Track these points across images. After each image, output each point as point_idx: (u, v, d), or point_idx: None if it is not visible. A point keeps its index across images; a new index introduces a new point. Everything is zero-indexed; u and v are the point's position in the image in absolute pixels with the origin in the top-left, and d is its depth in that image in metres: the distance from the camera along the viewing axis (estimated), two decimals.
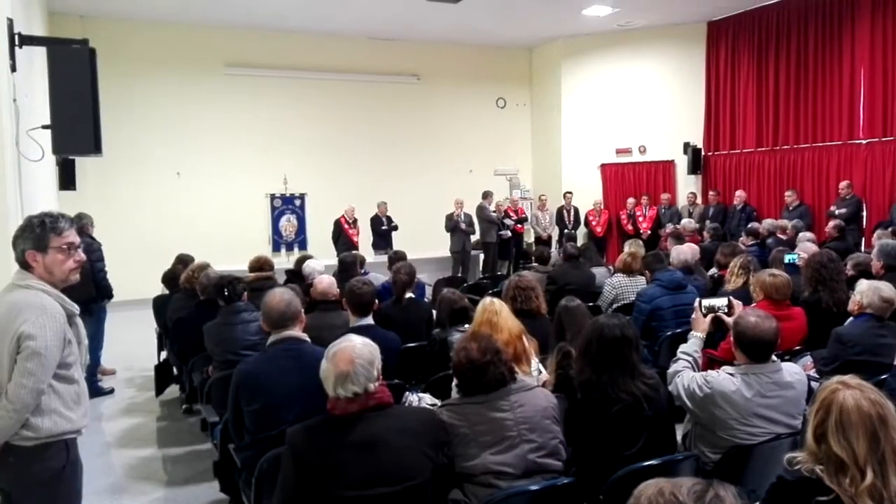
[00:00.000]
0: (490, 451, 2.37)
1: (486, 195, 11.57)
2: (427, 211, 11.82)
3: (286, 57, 11.89)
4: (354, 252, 7.59)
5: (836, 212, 9.22)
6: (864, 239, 8.96)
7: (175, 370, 5.73)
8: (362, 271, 6.50)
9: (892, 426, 1.87)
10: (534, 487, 2.33)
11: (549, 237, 12.14)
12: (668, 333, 4.64)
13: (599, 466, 2.63)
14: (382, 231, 11.13)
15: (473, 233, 11.30)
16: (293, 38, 11.87)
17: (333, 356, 2.28)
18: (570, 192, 12.37)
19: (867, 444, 1.80)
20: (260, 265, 5.66)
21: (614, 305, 5.76)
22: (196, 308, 4.92)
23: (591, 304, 5.70)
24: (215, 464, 3.65)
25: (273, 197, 11.96)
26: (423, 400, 3.16)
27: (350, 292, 3.89)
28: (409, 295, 4.96)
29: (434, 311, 4.60)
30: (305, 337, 3.11)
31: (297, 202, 12.13)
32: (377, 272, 6.86)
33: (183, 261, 6.38)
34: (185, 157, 11.26)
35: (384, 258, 7.85)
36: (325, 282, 4.51)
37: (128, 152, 10.61)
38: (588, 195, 12.53)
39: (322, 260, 6.59)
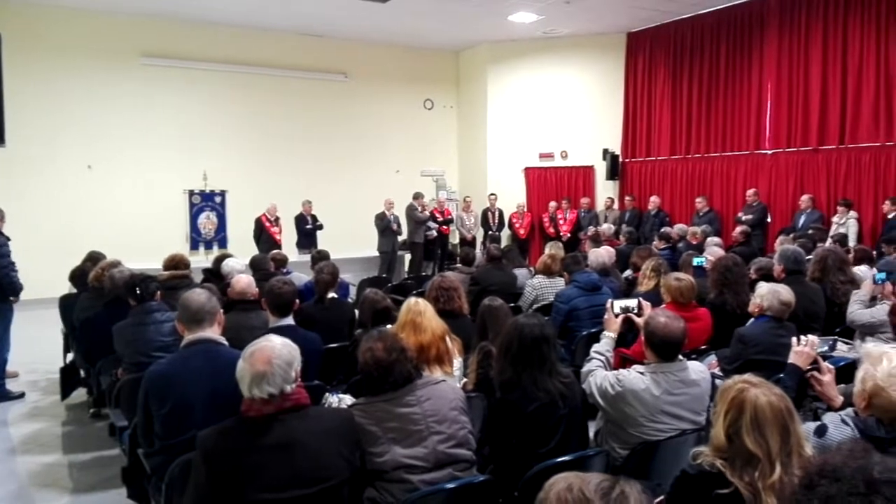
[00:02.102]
0: (399, 446, 2.40)
1: (417, 196, 11.59)
2: (353, 210, 11.75)
3: (208, 49, 11.53)
4: (275, 251, 7.44)
5: (743, 218, 9.74)
6: (768, 244, 9.48)
7: (82, 373, 5.46)
8: (284, 270, 6.40)
9: (797, 418, 2.01)
10: (450, 486, 2.36)
11: (474, 238, 12.27)
12: (585, 333, 4.78)
13: (516, 464, 2.69)
14: (307, 230, 10.97)
15: (401, 233, 11.31)
16: (217, 29, 11.52)
17: (251, 356, 2.25)
18: (495, 195, 12.55)
19: (779, 439, 1.92)
20: (175, 263, 5.47)
21: (535, 306, 5.88)
22: (105, 308, 4.70)
23: (512, 304, 5.81)
24: (124, 470, 3.51)
25: (192, 193, 11.58)
26: (343, 401, 3.14)
27: (270, 292, 3.82)
28: (331, 295, 4.92)
29: (357, 312, 4.58)
30: (222, 339, 3.03)
31: (218, 199, 11.78)
32: (301, 272, 6.76)
33: (93, 258, 6.09)
34: (98, 151, 10.74)
35: (308, 257, 7.74)
36: (244, 281, 4.41)
37: (36, 144, 10.06)
38: (512, 198, 12.75)
39: (243, 259, 6.44)
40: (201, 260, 9.87)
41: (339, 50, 12.71)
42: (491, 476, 2.54)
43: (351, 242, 11.08)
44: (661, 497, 2.24)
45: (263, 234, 10.61)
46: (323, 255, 6.57)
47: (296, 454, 2.17)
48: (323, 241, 10.56)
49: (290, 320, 3.83)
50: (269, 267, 6.14)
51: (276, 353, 2.25)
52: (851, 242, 8.00)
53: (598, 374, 3.10)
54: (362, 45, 12.84)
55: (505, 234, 12.47)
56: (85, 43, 10.62)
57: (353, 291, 7.27)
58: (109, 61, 10.83)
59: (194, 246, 11.54)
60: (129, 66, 10.95)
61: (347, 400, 3.09)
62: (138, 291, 4.07)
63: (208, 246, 11.62)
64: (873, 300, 4.67)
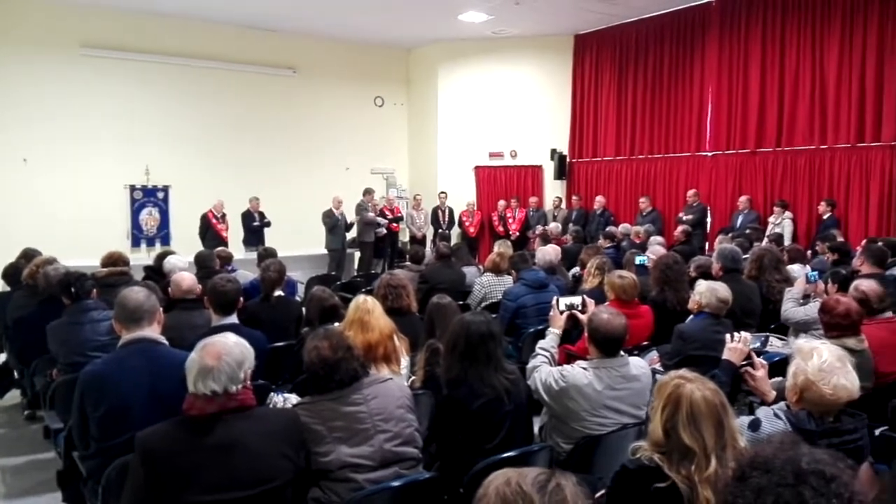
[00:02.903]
0: (345, 445, 2.39)
1: (368, 192, 11.54)
2: (302, 208, 11.59)
3: (152, 41, 11.18)
4: (220, 248, 7.30)
5: (684, 218, 10.03)
6: (708, 243, 9.79)
7: (16, 373, 5.25)
8: (229, 268, 6.29)
9: (730, 413, 2.08)
10: (395, 484, 2.37)
11: (424, 236, 12.28)
12: (532, 330, 4.84)
13: (462, 460, 2.71)
14: (254, 227, 10.80)
15: (350, 230, 11.24)
16: (161, 21, 11.18)
17: (203, 348, 2.22)
18: (445, 193, 12.59)
19: (714, 433, 1.98)
20: (113, 261, 5.30)
21: (483, 303, 5.94)
22: (39, 306, 4.53)
23: (461, 302, 5.85)
24: (59, 473, 3.40)
25: (133, 188, 11.23)
26: (288, 400, 3.11)
27: (213, 290, 3.74)
28: (278, 293, 4.86)
29: (304, 310, 4.53)
30: (162, 339, 2.96)
31: (160, 194, 11.45)
32: (248, 269, 6.65)
33: (27, 255, 5.87)
34: (34, 143, 10.30)
35: (255, 255, 7.61)
36: (185, 279, 4.31)
37: None
38: (462, 196, 12.80)
39: (186, 256, 6.29)
40: (143, 257, 9.59)
41: (288, 44, 12.52)
42: (437, 473, 2.56)
43: (299, 240, 10.96)
44: (602, 491, 2.29)
45: (209, 231, 10.38)
46: (269, 253, 6.47)
47: (237, 455, 2.14)
48: (271, 238, 10.39)
49: (233, 319, 3.76)
50: (215, 264, 6.02)
51: (227, 350, 2.22)
52: (787, 242, 8.31)
53: (543, 370, 3.14)
54: (311, 39, 12.68)
55: (455, 232, 12.51)
56: (21, 31, 10.18)
57: (301, 289, 7.19)
58: (47, 51, 10.41)
59: (136, 243, 11.21)
60: (68, 56, 10.54)
61: (293, 399, 3.06)
62: (73, 289, 3.94)
63: (150, 243, 11.30)
64: (806, 298, 4.87)
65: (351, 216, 11.23)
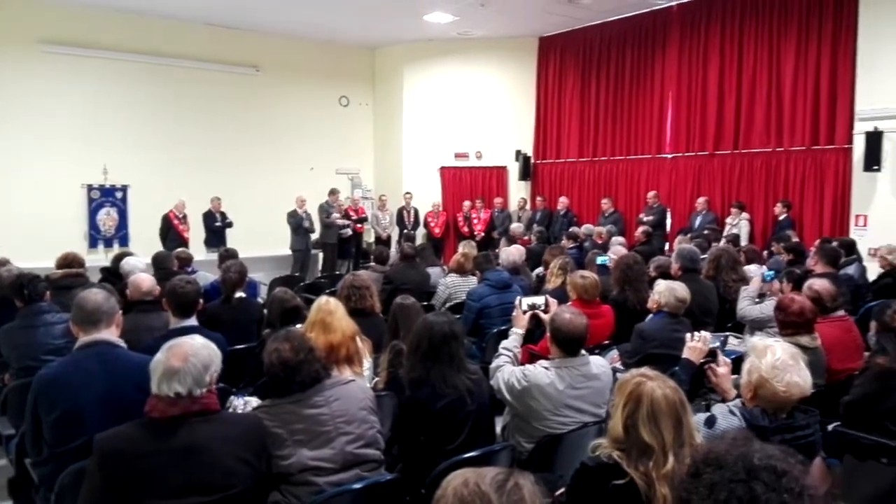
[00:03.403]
0: (306, 448, 2.37)
1: (332, 192, 11.47)
2: (265, 208, 11.45)
3: (112, 38, 10.91)
4: (180, 249, 7.17)
5: (645, 219, 10.18)
6: (668, 244, 9.96)
7: None
8: (189, 269, 6.19)
9: (689, 411, 2.12)
10: (357, 486, 2.36)
11: (389, 237, 12.25)
12: (495, 330, 4.87)
13: (424, 461, 2.72)
14: (216, 228, 10.64)
15: (315, 231, 11.15)
16: (121, 17, 10.91)
17: (169, 349, 2.19)
18: (410, 193, 12.57)
19: (673, 430, 2.01)
20: (68, 262, 5.16)
21: (447, 304, 5.95)
22: None
23: (426, 303, 5.85)
24: (10, 481, 3.30)
25: (91, 188, 10.95)
26: (248, 404, 3.06)
27: (171, 291, 3.67)
28: (239, 294, 4.79)
29: (266, 311, 4.48)
30: (120, 342, 2.90)
31: (119, 194, 11.19)
32: (210, 271, 6.55)
33: None
34: None
35: (217, 256, 7.50)
36: (144, 280, 4.22)
37: None
38: (427, 197, 12.80)
39: (145, 258, 6.16)
40: (101, 258, 9.39)
41: (251, 42, 12.35)
42: (398, 474, 2.56)
43: (263, 240, 10.82)
44: (562, 489, 2.31)
45: (171, 232, 10.19)
46: (231, 254, 6.39)
47: (198, 460, 2.11)
48: (233, 239, 10.25)
49: (192, 321, 3.70)
50: (172, 265, 5.91)
51: (194, 351, 2.19)
52: (743, 242, 8.50)
53: (506, 370, 3.16)
54: (275, 38, 12.52)
55: (420, 232, 12.49)
56: None
57: (263, 291, 7.11)
58: (4, 47, 10.10)
59: (93, 244, 10.94)
60: (26, 52, 10.24)
61: (253, 402, 3.02)
62: (26, 292, 3.83)
63: (108, 244, 11.03)
64: (762, 297, 5.00)
65: (316, 216, 11.14)
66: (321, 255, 11.33)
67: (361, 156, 13.96)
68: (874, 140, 8.19)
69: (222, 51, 12.03)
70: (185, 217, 10.43)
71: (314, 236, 11.19)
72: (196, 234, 10.52)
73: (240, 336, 4.27)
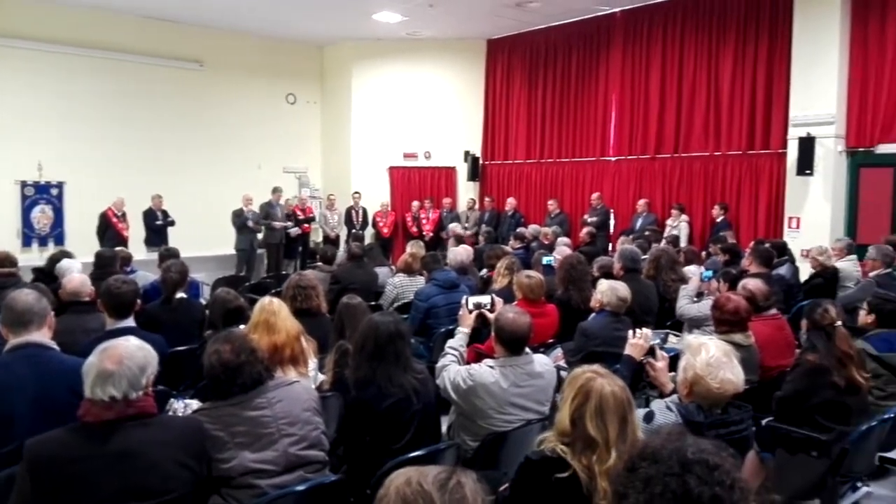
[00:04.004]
0: (248, 451, 2.33)
1: (275, 191, 11.32)
2: (209, 206, 11.22)
3: (47, 29, 10.46)
4: (118, 248, 6.95)
5: (589, 220, 10.41)
6: (611, 244, 10.19)
7: None
8: (128, 269, 6.01)
9: (634, 409, 2.18)
10: (300, 488, 2.33)
11: (338, 237, 12.15)
12: (443, 330, 4.89)
13: (369, 462, 2.71)
14: (157, 226, 10.36)
15: (261, 230, 10.97)
16: (57, 8, 10.50)
17: (103, 352, 2.13)
18: (359, 193, 12.49)
19: (618, 426, 2.06)
20: (0, 261, 4.96)
21: (395, 304, 5.95)
22: None
23: (373, 303, 5.84)
24: None
25: (24, 185, 10.50)
26: (189, 407, 2.99)
27: (106, 292, 3.56)
28: (180, 295, 4.68)
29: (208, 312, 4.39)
30: (52, 344, 2.80)
31: (54, 191, 10.76)
32: (150, 270, 6.37)
33: None
34: None
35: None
36: (76, 280, 4.08)
37: None
38: (376, 196, 12.74)
39: (82, 257, 5.96)
40: (34, 257, 9.02)
41: (194, 37, 12.04)
42: (343, 476, 2.54)
43: (207, 240, 10.62)
44: (506, 485, 2.34)
45: (109, 231, 9.87)
46: (171, 253, 6.22)
47: (133, 465, 2.06)
48: (175, 238, 9.98)
49: (130, 322, 3.59)
50: (117, 264, 5.73)
51: (129, 354, 2.13)
52: (683, 243, 8.77)
53: (452, 369, 3.18)
54: (219, 32, 12.25)
55: (369, 232, 12.44)
56: None
57: (207, 291, 6.96)
58: None
59: (27, 242, 10.50)
60: None
61: (193, 405, 2.95)
62: None
63: (43, 242, 10.61)
64: (700, 296, 5.17)
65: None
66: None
67: (309, 154, 13.81)
68: (807, 145, 8.55)
69: (164, 45, 11.70)
70: (124, 215, 10.13)
71: (260, 236, 11.01)
72: (136, 233, 10.22)
73: (180, 338, 4.16)
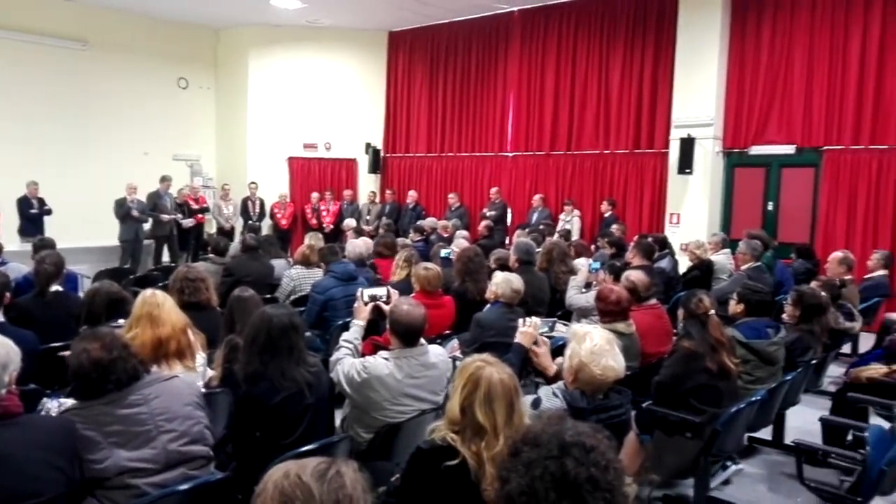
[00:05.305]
0: (124, 450, 2.24)
1: (164, 180, 10.79)
2: (92, 194, 10.56)
3: None
4: None
5: (487, 214, 10.64)
6: (508, 238, 10.43)
7: None
8: None
9: (521, 396, 2.25)
10: (183, 487, 2.25)
11: (232, 228, 11.75)
12: (340, 323, 4.84)
13: (259, 458, 2.65)
14: (32, 215, 9.65)
15: (146, 220, 10.43)
16: None
17: None
18: (256, 183, 12.13)
19: (506, 413, 2.12)
20: None
21: (292, 297, 5.84)
22: None
23: (269, 295, 5.70)
24: None
25: None
26: (63, 406, 2.82)
27: None
28: (55, 288, 4.38)
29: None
30: None
31: None
32: (24, 262, 5.93)
33: None
34: None
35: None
36: None
37: None
38: (274, 187, 12.43)
39: None
40: None
41: (78, 14, 11.25)
42: (231, 473, 2.47)
43: (89, 230, 9.97)
44: (397, 475, 2.37)
45: None
46: (46, 244, 5.81)
47: (2, 468, 1.95)
48: (54, 228, 9.31)
49: None
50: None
51: None
52: (575, 237, 9.13)
53: (346, 362, 3.17)
54: (106, 11, 11.50)
55: (267, 224, 12.12)
56: None
57: (88, 284, 6.55)
58: None
59: None
60: None
61: (69, 404, 2.78)
62: None
63: None
64: (588, 286, 5.40)
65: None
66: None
67: (202, 142, 13.24)
68: (687, 146, 9.11)
69: (44, 21, 10.87)
70: None
71: (147, 226, 10.47)
72: (10, 222, 9.45)
73: (55, 333, 3.90)
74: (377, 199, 12.72)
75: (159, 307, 3.15)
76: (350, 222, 10.40)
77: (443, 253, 6.30)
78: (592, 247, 7.98)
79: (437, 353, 3.27)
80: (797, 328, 4.37)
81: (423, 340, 3.23)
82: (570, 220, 10.02)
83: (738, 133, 9.17)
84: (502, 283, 4.38)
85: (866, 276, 6.69)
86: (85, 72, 11.46)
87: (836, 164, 8.44)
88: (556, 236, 8.14)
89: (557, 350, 3.58)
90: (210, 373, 3.41)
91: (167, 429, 2.32)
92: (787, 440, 4.34)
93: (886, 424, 3.53)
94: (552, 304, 5.54)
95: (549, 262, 5.86)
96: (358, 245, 6.29)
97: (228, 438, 2.92)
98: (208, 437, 2.46)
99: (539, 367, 3.17)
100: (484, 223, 9.50)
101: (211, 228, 12.12)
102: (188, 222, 11.05)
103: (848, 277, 6.03)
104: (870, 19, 8.16)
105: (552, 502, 1.36)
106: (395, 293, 3.77)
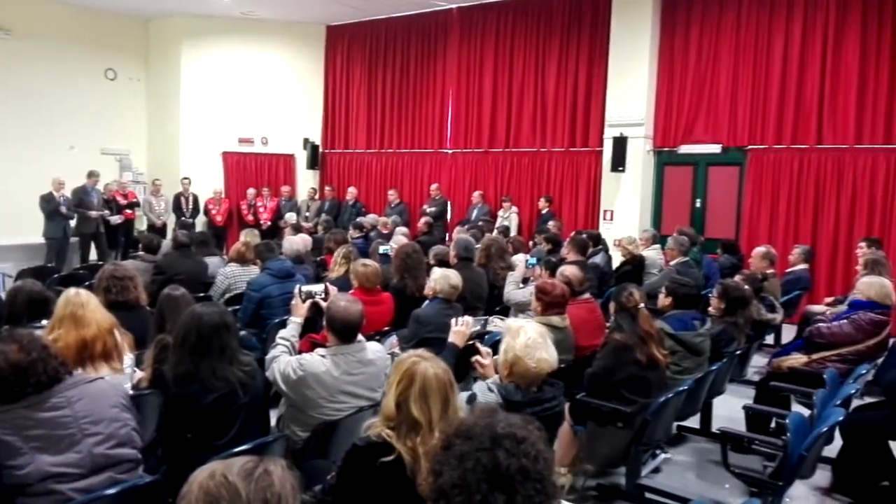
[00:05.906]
0: (46, 455, 2.15)
1: (91, 175, 10.38)
2: (14, 190, 10.12)
3: None
4: None
5: (428, 210, 10.67)
6: (448, 234, 10.49)
7: None
8: None
9: (456, 391, 2.27)
10: (110, 492, 2.18)
11: (164, 225, 11.39)
12: (276, 321, 4.77)
13: (190, 460, 2.59)
14: None
15: (73, 217, 10.01)
16: None
17: None
18: (189, 179, 11.77)
19: (440, 407, 2.14)
20: None
21: (227, 295, 5.71)
22: None
23: (202, 294, 5.57)
24: None
25: None
26: None
27: None
28: None
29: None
30: None
31: None
32: None
33: None
34: None
35: None
36: None
37: None
38: (208, 183, 12.09)
39: None
40: None
41: (0, 1, 10.68)
42: (160, 476, 2.41)
43: (11, 227, 9.63)
44: (333, 473, 2.35)
45: None
46: None
47: None
48: None
49: None
50: None
51: None
52: (513, 233, 9.26)
53: (282, 360, 3.13)
54: None
55: (201, 220, 11.79)
56: None
57: (10, 283, 6.25)
58: None
59: None
60: None
61: None
62: None
63: None
64: (525, 282, 5.48)
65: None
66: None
67: (132, 136, 12.78)
68: (620, 145, 9.35)
69: None
70: None
71: (73, 223, 10.06)
72: None
73: None
74: (317, 196, 12.56)
75: (83, 307, 3.03)
76: (291, 217, 10.25)
77: (381, 249, 6.28)
78: (530, 243, 8.11)
79: (374, 350, 3.26)
80: (722, 320, 4.55)
81: (361, 337, 3.22)
82: (509, 217, 10.15)
83: (667, 132, 9.47)
84: (441, 279, 4.41)
85: (788, 270, 7.01)
86: (7, 61, 10.93)
87: (760, 163, 8.81)
88: (494, 232, 8.22)
89: (494, 346, 3.63)
90: (139, 374, 3.31)
91: (92, 432, 2.24)
92: (714, 428, 4.50)
93: (806, 412, 3.72)
94: (490, 300, 5.60)
95: (487, 259, 5.92)
96: (295, 242, 6.21)
97: (159, 441, 2.84)
98: (136, 439, 2.39)
99: (482, 377, 3.19)
100: (423, 219, 9.52)
101: (142, 225, 11.72)
102: (116, 219, 10.66)
103: (770, 271, 6.30)
104: (791, 22, 8.53)
105: (484, 494, 1.39)
106: (333, 289, 3.75)
